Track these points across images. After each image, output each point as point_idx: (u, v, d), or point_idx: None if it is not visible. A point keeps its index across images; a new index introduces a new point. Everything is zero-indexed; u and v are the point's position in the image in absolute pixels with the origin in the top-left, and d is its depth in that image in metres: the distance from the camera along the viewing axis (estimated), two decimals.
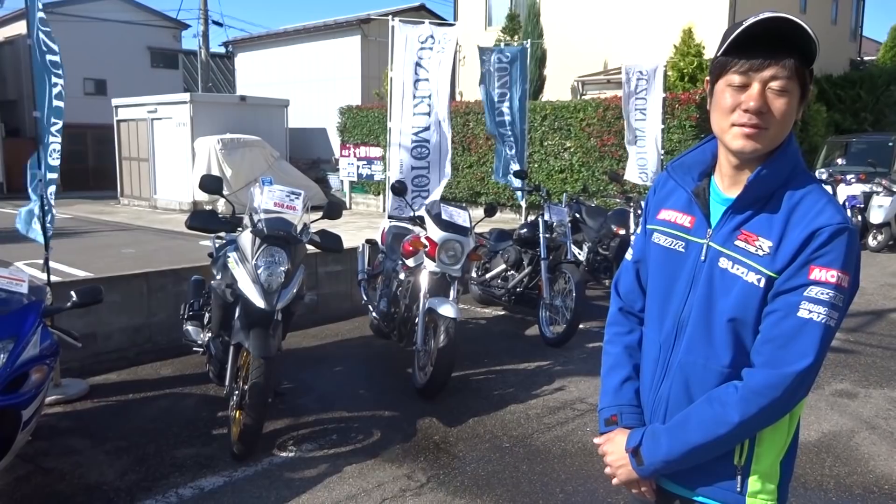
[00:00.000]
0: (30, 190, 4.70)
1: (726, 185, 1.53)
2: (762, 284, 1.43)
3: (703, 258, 1.52)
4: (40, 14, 4.58)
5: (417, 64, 6.92)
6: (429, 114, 7.05)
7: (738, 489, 1.50)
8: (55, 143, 4.77)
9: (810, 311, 1.38)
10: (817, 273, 1.38)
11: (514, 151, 9.34)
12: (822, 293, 1.37)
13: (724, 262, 1.48)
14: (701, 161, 1.59)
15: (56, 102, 4.70)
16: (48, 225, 4.75)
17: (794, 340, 1.38)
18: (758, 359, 1.43)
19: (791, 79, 1.39)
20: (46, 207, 4.72)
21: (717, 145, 1.55)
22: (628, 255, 1.77)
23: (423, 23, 7.10)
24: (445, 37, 7.04)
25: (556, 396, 4.81)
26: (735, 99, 1.42)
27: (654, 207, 1.67)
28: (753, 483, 1.50)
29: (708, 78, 1.52)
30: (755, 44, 1.38)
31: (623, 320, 1.76)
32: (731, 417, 1.42)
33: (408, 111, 7.00)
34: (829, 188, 10.85)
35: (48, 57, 4.62)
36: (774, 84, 1.39)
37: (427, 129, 7.05)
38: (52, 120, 4.72)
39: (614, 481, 1.64)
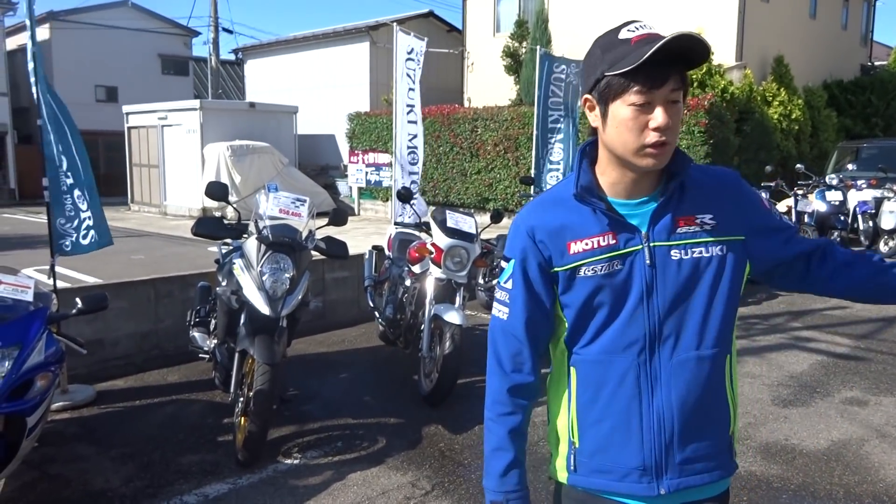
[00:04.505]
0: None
1: (628, 194, 1.51)
2: (725, 252, 1.50)
3: (648, 262, 1.48)
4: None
5: (407, 74, 7.37)
6: (416, 122, 7.50)
7: None
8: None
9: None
10: (762, 205, 1.61)
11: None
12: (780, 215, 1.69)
13: (676, 254, 1.48)
14: (588, 187, 1.52)
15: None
16: (83, 233, 4.78)
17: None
18: (808, 244, 1.62)
19: (681, 88, 1.41)
20: (72, 213, 4.72)
21: (590, 169, 1.53)
22: (503, 316, 1.58)
23: (409, 34, 7.55)
24: (421, 49, 7.52)
25: None
26: (643, 118, 1.39)
27: (554, 250, 1.52)
28: None
29: (588, 96, 1.47)
30: (650, 62, 1.34)
31: (507, 400, 1.60)
32: None
33: (404, 118, 7.45)
34: (839, 193, 10.87)
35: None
36: (671, 97, 1.40)
37: (416, 136, 7.51)
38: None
39: None
